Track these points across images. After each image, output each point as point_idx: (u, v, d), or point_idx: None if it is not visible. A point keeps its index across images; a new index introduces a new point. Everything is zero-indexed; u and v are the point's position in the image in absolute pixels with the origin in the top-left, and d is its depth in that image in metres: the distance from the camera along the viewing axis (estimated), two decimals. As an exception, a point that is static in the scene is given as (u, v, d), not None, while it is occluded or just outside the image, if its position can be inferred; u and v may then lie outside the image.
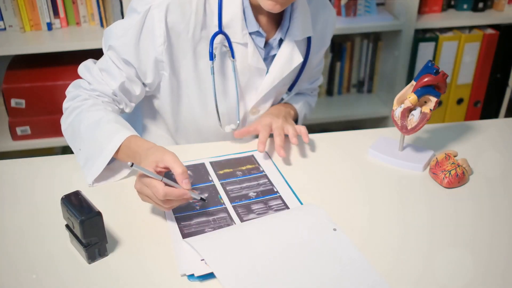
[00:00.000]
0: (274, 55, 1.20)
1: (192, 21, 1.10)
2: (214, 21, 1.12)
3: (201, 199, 0.97)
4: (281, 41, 1.20)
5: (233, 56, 1.15)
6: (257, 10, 1.14)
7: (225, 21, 1.12)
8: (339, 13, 2.18)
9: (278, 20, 1.19)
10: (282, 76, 1.21)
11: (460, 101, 2.36)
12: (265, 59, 1.20)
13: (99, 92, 1.14)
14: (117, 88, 1.13)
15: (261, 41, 1.17)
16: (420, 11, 2.18)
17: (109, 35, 1.14)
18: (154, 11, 1.07)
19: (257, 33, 1.15)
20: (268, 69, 1.20)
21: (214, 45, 1.14)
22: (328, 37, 1.31)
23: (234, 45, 1.15)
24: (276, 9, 1.04)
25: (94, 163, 1.04)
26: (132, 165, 0.87)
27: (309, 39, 1.24)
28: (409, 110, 1.11)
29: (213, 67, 1.14)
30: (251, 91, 1.22)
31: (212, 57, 1.13)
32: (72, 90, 1.16)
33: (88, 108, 1.10)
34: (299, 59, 1.21)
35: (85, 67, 1.16)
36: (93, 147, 1.05)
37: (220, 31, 1.12)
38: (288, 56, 1.20)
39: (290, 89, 1.30)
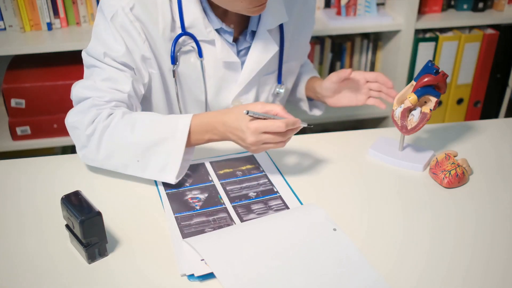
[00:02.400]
0: (250, 47, 1.19)
1: (160, 23, 1.10)
2: (178, 23, 1.12)
3: (308, 125, 1.02)
4: (254, 33, 1.19)
5: (200, 55, 1.15)
6: (219, 7, 1.12)
7: (188, 22, 1.11)
8: (339, 13, 2.18)
9: None
10: (259, 67, 1.20)
11: (460, 101, 2.35)
12: (240, 52, 1.19)
13: (116, 101, 1.07)
14: (131, 90, 1.09)
15: (229, 36, 1.16)
16: (420, 11, 2.18)
17: (93, 49, 1.10)
18: (122, 14, 1.06)
19: (222, 29, 1.15)
20: (244, 62, 1.19)
21: (183, 46, 1.14)
22: (310, 14, 1.30)
23: (202, 44, 1.15)
24: (261, 10, 1.05)
25: (170, 156, 1.00)
26: (248, 113, 0.94)
27: (281, 27, 1.22)
28: (409, 110, 1.11)
29: (174, 70, 1.15)
30: (229, 85, 1.21)
31: (173, 60, 1.13)
32: (82, 116, 1.04)
33: (120, 119, 1.03)
34: (275, 48, 1.20)
35: (83, 87, 1.07)
36: (160, 144, 1.00)
37: (184, 32, 1.12)
38: (263, 47, 1.19)
39: (279, 81, 1.29)
